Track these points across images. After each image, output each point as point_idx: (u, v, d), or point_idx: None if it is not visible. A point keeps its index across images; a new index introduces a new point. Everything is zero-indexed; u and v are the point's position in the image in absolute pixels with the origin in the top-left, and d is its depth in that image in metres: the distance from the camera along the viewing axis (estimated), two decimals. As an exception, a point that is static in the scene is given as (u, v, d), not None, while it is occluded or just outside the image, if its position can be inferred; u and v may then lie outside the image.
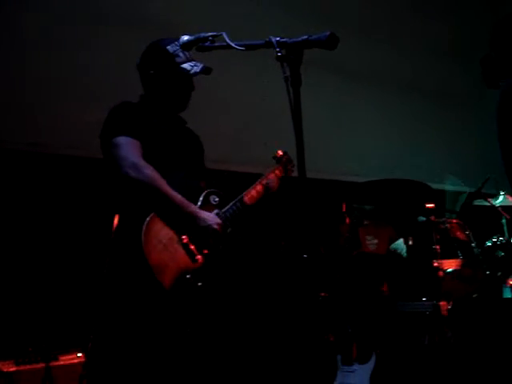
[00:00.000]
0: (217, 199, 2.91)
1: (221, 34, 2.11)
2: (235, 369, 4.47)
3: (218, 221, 2.77)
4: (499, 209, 4.82)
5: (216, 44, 2.15)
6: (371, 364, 3.96)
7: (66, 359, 3.51)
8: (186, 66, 2.85)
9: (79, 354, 3.54)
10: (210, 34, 2.17)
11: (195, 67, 2.85)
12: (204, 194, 2.87)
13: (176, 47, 2.85)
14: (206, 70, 2.87)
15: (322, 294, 4.23)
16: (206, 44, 2.16)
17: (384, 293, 4.46)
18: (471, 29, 6.87)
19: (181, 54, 2.86)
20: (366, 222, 4.82)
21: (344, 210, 4.29)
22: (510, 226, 4.82)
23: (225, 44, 2.06)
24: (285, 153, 3.39)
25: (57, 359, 3.47)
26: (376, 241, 4.88)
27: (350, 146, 5.63)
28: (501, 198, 4.93)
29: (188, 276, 2.62)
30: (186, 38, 2.21)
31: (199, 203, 2.82)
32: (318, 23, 5.47)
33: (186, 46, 2.22)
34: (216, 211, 2.85)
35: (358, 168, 5.49)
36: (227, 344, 4.39)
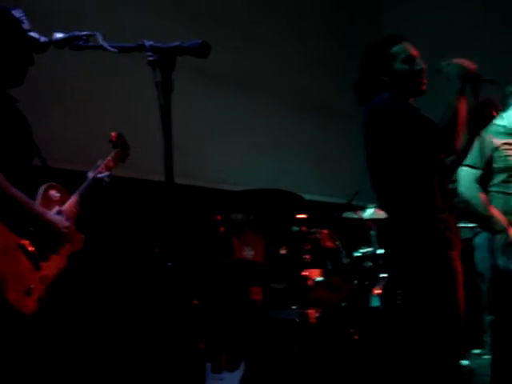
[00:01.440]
0: (57, 195, 2.62)
1: (94, 34, 2.06)
2: (103, 378, 4.37)
3: (66, 223, 2.55)
4: (367, 222, 5.01)
5: (89, 44, 2.10)
6: (240, 372, 3.99)
7: None
8: (33, 34, 2.51)
9: None
10: (84, 33, 2.10)
11: (43, 37, 2.48)
12: (43, 188, 2.57)
13: (21, 14, 2.54)
14: (58, 43, 2.20)
15: (195, 302, 4.23)
16: (80, 43, 2.10)
17: (255, 301, 4.51)
18: (351, 46, 7.15)
19: (26, 22, 2.54)
20: (240, 231, 4.89)
21: (219, 218, 4.31)
22: (378, 237, 5.02)
23: (98, 45, 2.01)
24: (119, 135, 3.13)
25: None
26: (253, 252, 4.95)
27: (229, 154, 5.65)
28: (370, 210, 5.13)
29: (32, 286, 2.37)
30: (59, 35, 2.13)
31: (38, 199, 2.51)
32: (205, 30, 5.51)
33: (58, 44, 2.14)
34: (56, 209, 2.58)
35: (234, 177, 5.52)
36: (90, 351, 4.29)
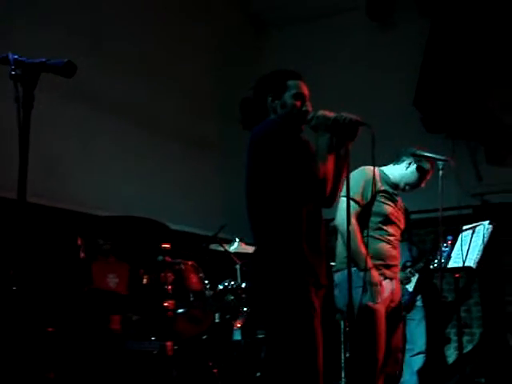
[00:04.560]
0: None
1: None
2: None
3: None
4: (232, 255, 5.05)
5: None
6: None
7: None
8: None
9: None
10: None
11: None
12: None
13: None
14: None
15: (49, 329, 4.04)
16: None
17: (114, 330, 4.39)
18: (228, 79, 7.27)
19: None
20: (104, 257, 4.75)
21: (79, 242, 4.17)
22: (242, 271, 5.07)
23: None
24: None
25: None
26: (117, 280, 4.82)
27: (97, 178, 5.52)
28: (235, 244, 5.18)
29: None
30: None
31: None
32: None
33: None
34: None
35: (101, 202, 5.39)
36: None
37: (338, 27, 7.83)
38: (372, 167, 3.50)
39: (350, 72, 7.62)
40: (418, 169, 3.89)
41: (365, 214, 3.71)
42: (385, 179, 3.88)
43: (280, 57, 7.56)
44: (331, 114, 2.84)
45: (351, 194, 3.45)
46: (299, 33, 8.06)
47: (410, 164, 3.91)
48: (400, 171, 3.93)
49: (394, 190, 3.90)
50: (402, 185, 3.93)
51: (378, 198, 3.73)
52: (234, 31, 7.88)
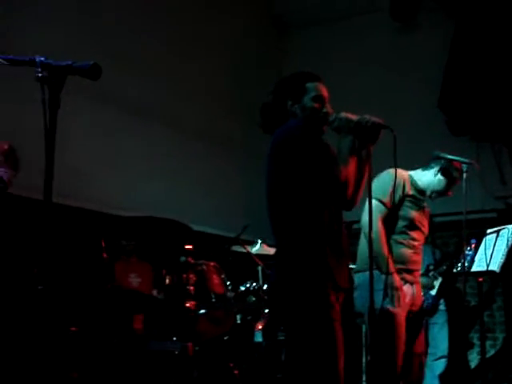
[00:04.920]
0: None
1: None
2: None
3: None
4: (254, 256, 5.05)
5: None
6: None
7: None
8: None
9: None
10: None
11: None
12: None
13: None
14: None
15: (73, 329, 4.08)
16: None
17: (137, 330, 4.42)
18: (250, 79, 7.29)
19: None
20: (126, 257, 4.78)
21: (103, 242, 4.21)
22: (264, 273, 5.07)
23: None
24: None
25: None
26: (139, 279, 4.85)
27: (120, 179, 5.56)
28: (257, 246, 5.18)
29: None
30: None
31: None
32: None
33: None
34: None
35: (124, 202, 5.43)
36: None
37: (360, 28, 7.81)
38: (401, 171, 3.47)
39: (372, 74, 7.60)
40: (446, 175, 3.85)
41: (391, 217, 3.70)
42: (413, 184, 3.85)
43: (302, 58, 7.57)
44: (354, 117, 2.83)
45: (380, 195, 3.44)
46: (321, 34, 8.05)
47: (438, 171, 3.88)
48: (428, 178, 3.89)
49: (421, 195, 3.88)
50: (428, 192, 3.90)
51: (406, 203, 3.72)
52: (258, 32, 7.91)
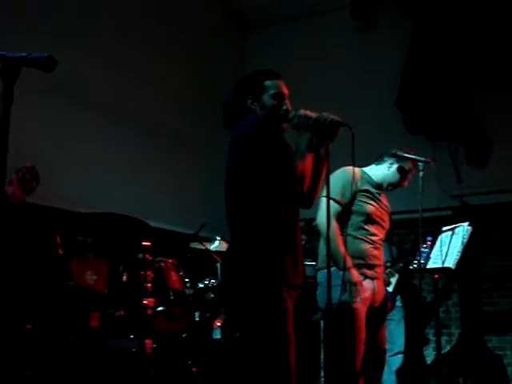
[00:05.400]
0: None
1: None
2: None
3: None
4: (213, 253, 5.04)
5: None
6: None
7: None
8: None
9: None
10: None
11: None
12: None
13: None
14: None
15: (28, 327, 4.01)
16: None
17: (93, 328, 4.37)
18: (212, 78, 7.27)
19: None
20: (82, 254, 4.72)
21: (58, 239, 4.14)
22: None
23: None
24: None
25: None
26: (95, 277, 4.79)
27: (78, 175, 5.48)
28: (216, 242, 5.17)
29: None
30: None
31: None
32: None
33: None
34: None
35: (81, 198, 5.35)
36: None
37: (321, 27, 7.85)
38: (351, 168, 3.51)
39: (332, 72, 7.65)
40: (399, 169, 3.92)
41: (346, 213, 3.74)
42: (367, 179, 3.89)
43: (264, 56, 7.58)
44: (313, 114, 2.84)
45: (332, 194, 3.46)
46: (282, 32, 8.07)
47: (391, 164, 3.94)
48: (382, 171, 3.95)
49: (378, 189, 3.92)
50: (384, 185, 3.96)
51: (359, 198, 3.75)
52: (219, 31, 7.90)
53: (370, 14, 7.58)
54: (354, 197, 3.76)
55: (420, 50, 6.74)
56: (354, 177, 3.66)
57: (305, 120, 2.82)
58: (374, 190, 3.88)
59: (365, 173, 3.94)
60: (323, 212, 3.61)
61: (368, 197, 3.81)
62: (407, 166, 3.94)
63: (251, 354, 2.73)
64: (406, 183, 4.00)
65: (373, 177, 3.93)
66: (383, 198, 3.98)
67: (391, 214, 4.18)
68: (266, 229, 2.77)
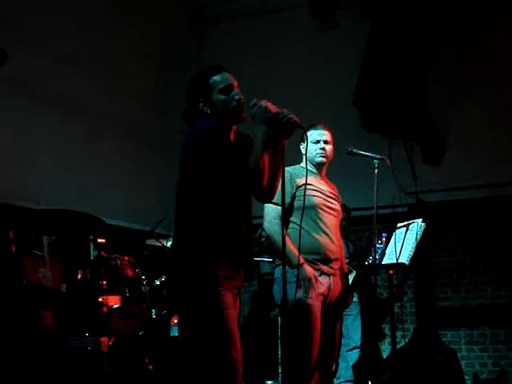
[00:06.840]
0: None
1: None
2: None
3: None
4: (169, 250, 5.01)
5: None
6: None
7: None
8: None
9: None
10: None
11: None
12: None
13: None
14: None
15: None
16: None
17: (47, 326, 4.30)
18: (171, 75, 7.22)
19: None
20: (34, 252, 4.64)
21: (11, 235, 4.06)
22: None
23: None
24: None
25: None
26: (49, 274, 4.71)
27: (31, 171, 5.38)
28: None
29: None
30: None
31: None
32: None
33: None
34: None
35: (34, 195, 5.26)
36: None
37: (280, 24, 7.86)
38: (286, 168, 3.53)
39: (291, 69, 7.67)
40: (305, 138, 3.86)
41: (291, 211, 3.78)
42: (304, 172, 3.84)
43: (222, 54, 7.56)
44: (274, 108, 2.81)
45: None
46: (241, 29, 8.06)
47: (304, 142, 3.90)
48: (306, 152, 3.94)
49: (317, 170, 3.96)
50: (316, 160, 3.95)
51: (301, 193, 3.68)
52: (178, 28, 7.85)
53: (328, 13, 7.61)
54: (295, 194, 3.78)
55: (377, 50, 6.81)
56: (290, 175, 3.76)
57: (264, 112, 2.79)
58: (316, 176, 3.91)
59: (299, 166, 3.94)
60: (267, 216, 3.76)
61: (310, 189, 3.80)
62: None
63: (191, 349, 2.73)
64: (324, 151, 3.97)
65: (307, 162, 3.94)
66: (329, 185, 3.99)
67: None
68: (210, 223, 2.76)
